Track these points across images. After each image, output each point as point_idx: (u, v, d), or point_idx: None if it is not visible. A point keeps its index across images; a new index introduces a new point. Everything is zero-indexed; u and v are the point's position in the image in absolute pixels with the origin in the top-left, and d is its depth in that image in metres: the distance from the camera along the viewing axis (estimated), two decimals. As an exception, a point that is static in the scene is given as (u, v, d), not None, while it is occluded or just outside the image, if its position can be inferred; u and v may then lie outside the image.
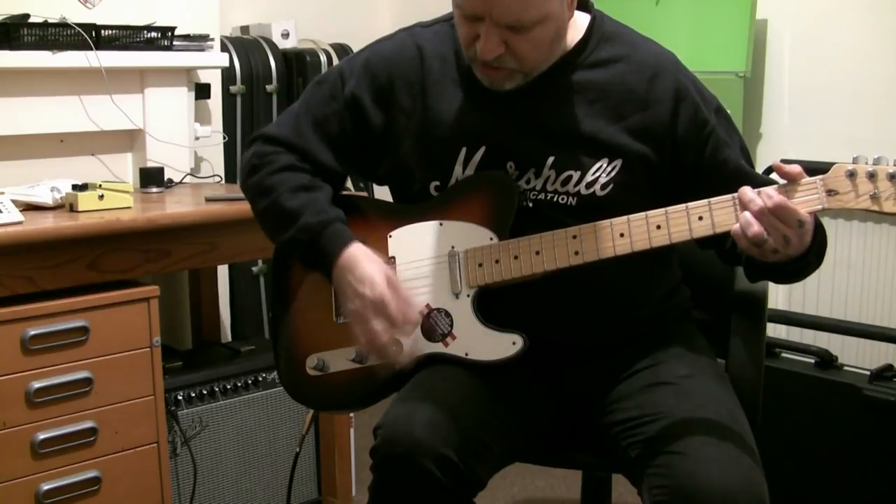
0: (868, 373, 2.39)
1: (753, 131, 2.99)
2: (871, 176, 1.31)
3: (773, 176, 1.43)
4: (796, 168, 1.35)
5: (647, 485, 1.42)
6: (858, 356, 2.68)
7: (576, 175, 1.53)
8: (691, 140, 1.53)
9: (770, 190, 1.35)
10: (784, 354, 2.54)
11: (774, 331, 2.75)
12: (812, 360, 2.48)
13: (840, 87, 2.82)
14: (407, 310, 1.49)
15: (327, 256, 1.55)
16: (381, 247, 1.60)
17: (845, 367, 2.46)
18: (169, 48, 2.61)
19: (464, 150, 1.56)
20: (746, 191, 1.36)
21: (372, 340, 1.49)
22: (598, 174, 1.53)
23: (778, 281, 1.57)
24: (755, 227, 1.34)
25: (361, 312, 1.50)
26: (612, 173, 1.53)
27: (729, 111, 1.61)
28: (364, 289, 1.49)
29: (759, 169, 1.61)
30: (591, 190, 1.53)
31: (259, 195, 1.63)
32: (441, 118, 1.58)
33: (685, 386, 1.52)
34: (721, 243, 1.54)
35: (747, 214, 1.34)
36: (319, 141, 1.63)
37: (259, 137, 1.68)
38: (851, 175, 1.32)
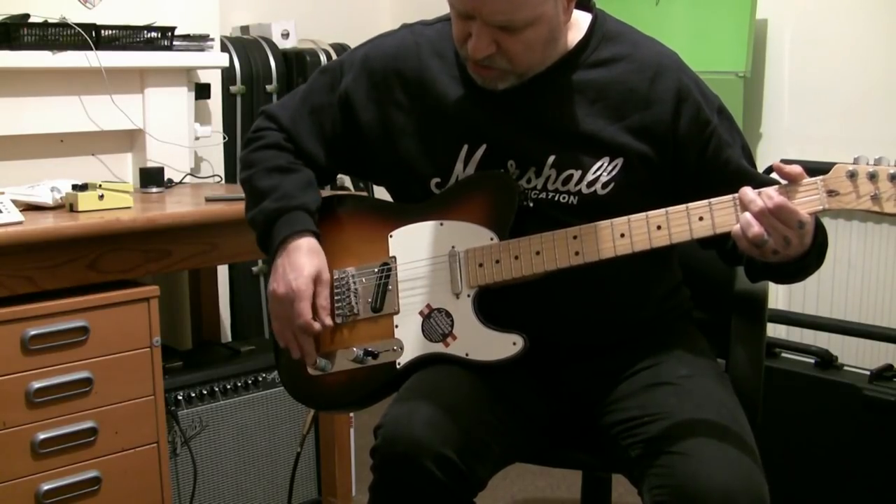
0: (868, 373, 2.39)
1: (753, 131, 2.99)
2: (872, 177, 1.31)
3: (774, 176, 1.42)
4: (797, 168, 1.35)
5: (648, 485, 1.42)
6: (858, 356, 2.68)
7: (577, 174, 1.53)
8: (693, 140, 1.53)
9: (771, 190, 1.35)
10: (784, 354, 2.54)
11: (774, 331, 2.75)
12: (812, 360, 2.48)
13: (840, 87, 2.82)
14: (319, 311, 1.56)
15: (276, 239, 1.59)
16: (381, 246, 1.61)
17: (845, 367, 2.46)
18: (169, 48, 2.61)
19: (465, 147, 1.57)
20: (747, 191, 1.36)
21: (279, 326, 1.58)
22: (598, 173, 1.53)
23: (778, 281, 1.57)
24: (755, 228, 1.33)
25: (279, 296, 1.57)
26: (613, 172, 1.53)
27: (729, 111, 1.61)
28: (290, 275, 1.56)
29: (760, 169, 1.61)
30: (592, 189, 1.53)
31: (242, 168, 1.71)
32: (442, 114, 1.58)
33: (686, 386, 1.52)
34: (722, 243, 1.54)
35: (748, 215, 1.34)
36: (312, 131, 1.67)
37: (263, 112, 1.75)
38: (852, 176, 1.32)
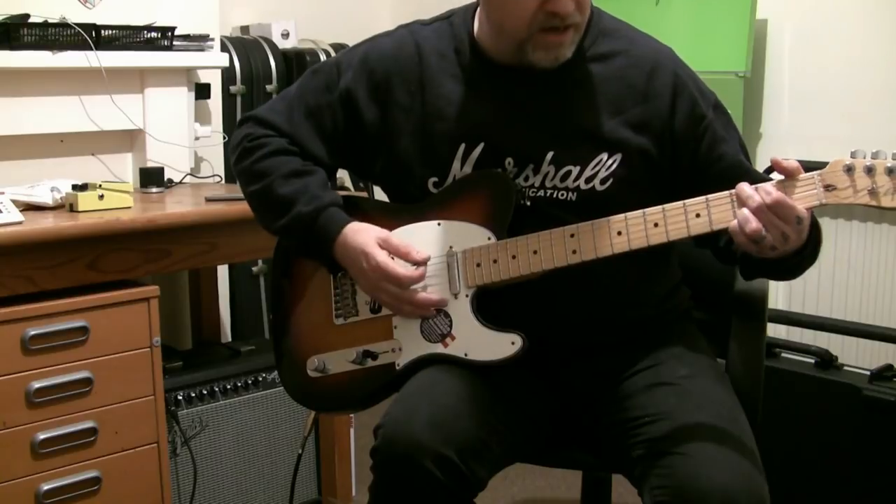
0: (868, 373, 2.39)
1: (753, 131, 2.99)
2: (869, 171, 1.31)
3: (774, 175, 1.42)
4: (794, 163, 1.34)
5: (648, 485, 1.42)
6: (858, 356, 2.68)
7: (575, 170, 1.53)
8: (688, 134, 1.54)
9: (768, 186, 1.34)
10: (784, 354, 2.54)
11: (774, 331, 2.75)
12: (812, 360, 2.47)
13: (840, 87, 2.82)
14: (405, 267, 1.52)
15: (325, 244, 1.57)
16: (380, 248, 1.60)
17: (845, 367, 2.46)
18: (169, 48, 2.61)
19: (462, 146, 1.57)
20: (744, 187, 1.35)
21: (396, 307, 1.55)
22: (597, 168, 1.53)
23: (774, 278, 1.57)
24: (753, 224, 1.33)
25: (371, 287, 1.55)
26: (612, 167, 1.53)
27: (729, 111, 1.61)
28: (363, 265, 1.54)
29: (759, 168, 1.61)
30: (591, 185, 1.53)
31: (251, 179, 1.65)
32: (440, 114, 1.58)
33: (686, 386, 1.52)
34: (716, 241, 1.54)
35: (745, 211, 1.34)
36: (311, 131, 1.64)
37: (250, 118, 1.69)
38: (849, 170, 1.32)
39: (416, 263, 1.53)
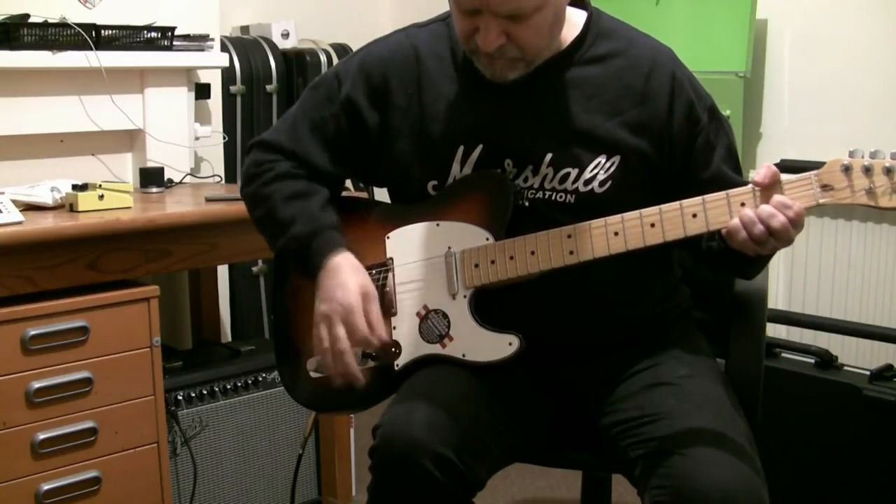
0: (868, 373, 2.39)
1: (753, 131, 2.98)
2: (867, 170, 1.30)
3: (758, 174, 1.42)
4: (768, 171, 1.36)
5: (647, 485, 1.42)
6: (858, 356, 2.68)
7: (574, 172, 1.53)
8: (683, 136, 1.54)
9: (787, 200, 1.35)
10: (784, 354, 2.54)
11: (774, 331, 2.75)
12: (812, 360, 2.47)
13: (840, 87, 2.82)
14: (374, 325, 1.50)
15: (315, 264, 1.55)
16: (378, 248, 1.61)
17: (845, 367, 2.46)
18: (169, 48, 2.61)
19: (461, 148, 1.56)
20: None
21: (331, 345, 1.50)
22: (596, 171, 1.53)
23: (747, 274, 1.61)
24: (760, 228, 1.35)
25: (329, 315, 1.51)
26: (611, 170, 1.53)
27: (729, 111, 1.61)
28: (338, 293, 1.50)
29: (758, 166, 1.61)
30: (590, 187, 1.53)
31: (256, 204, 1.65)
32: (438, 116, 1.58)
33: (685, 386, 1.52)
34: (697, 242, 1.54)
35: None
36: (316, 144, 1.63)
37: (257, 144, 1.69)
38: (847, 169, 1.31)
39: (379, 337, 1.50)
